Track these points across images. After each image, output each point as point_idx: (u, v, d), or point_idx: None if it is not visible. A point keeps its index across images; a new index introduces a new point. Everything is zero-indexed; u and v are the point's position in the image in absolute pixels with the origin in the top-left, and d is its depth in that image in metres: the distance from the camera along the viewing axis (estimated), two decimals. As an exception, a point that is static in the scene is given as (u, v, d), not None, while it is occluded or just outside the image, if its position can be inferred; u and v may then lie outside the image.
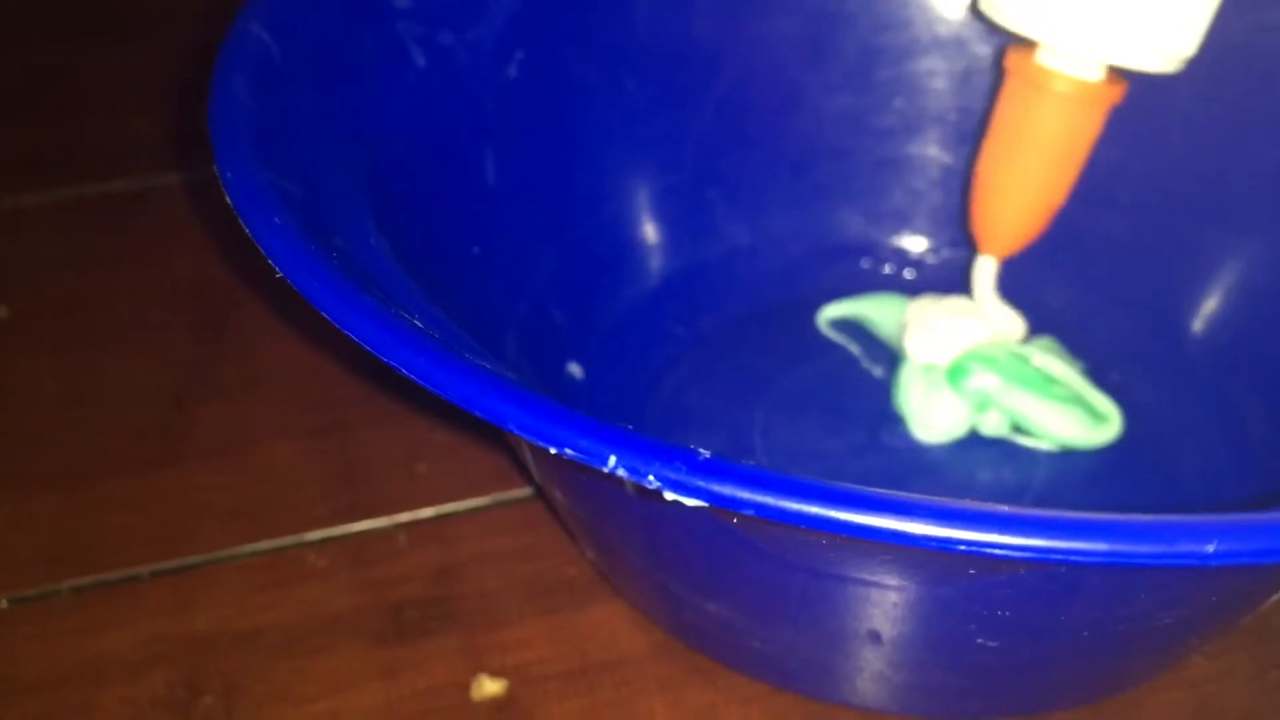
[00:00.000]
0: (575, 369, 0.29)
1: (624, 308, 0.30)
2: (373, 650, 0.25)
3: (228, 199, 0.18)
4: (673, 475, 0.14)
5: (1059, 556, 0.13)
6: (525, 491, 0.28)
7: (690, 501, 0.14)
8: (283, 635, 0.25)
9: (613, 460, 0.14)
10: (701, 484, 0.13)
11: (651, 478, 0.14)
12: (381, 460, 0.29)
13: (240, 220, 0.18)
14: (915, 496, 0.13)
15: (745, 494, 0.13)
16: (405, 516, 0.28)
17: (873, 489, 0.13)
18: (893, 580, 0.19)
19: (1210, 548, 0.13)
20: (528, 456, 0.23)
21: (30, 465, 0.29)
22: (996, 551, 0.13)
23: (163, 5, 0.45)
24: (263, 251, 0.17)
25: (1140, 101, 0.30)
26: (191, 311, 0.33)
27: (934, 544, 0.13)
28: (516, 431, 0.15)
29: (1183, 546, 0.13)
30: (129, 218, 0.36)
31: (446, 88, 0.26)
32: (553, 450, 0.14)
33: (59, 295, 0.33)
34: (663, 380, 0.29)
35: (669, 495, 0.14)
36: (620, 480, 0.14)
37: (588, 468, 0.14)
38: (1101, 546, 0.13)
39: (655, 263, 0.31)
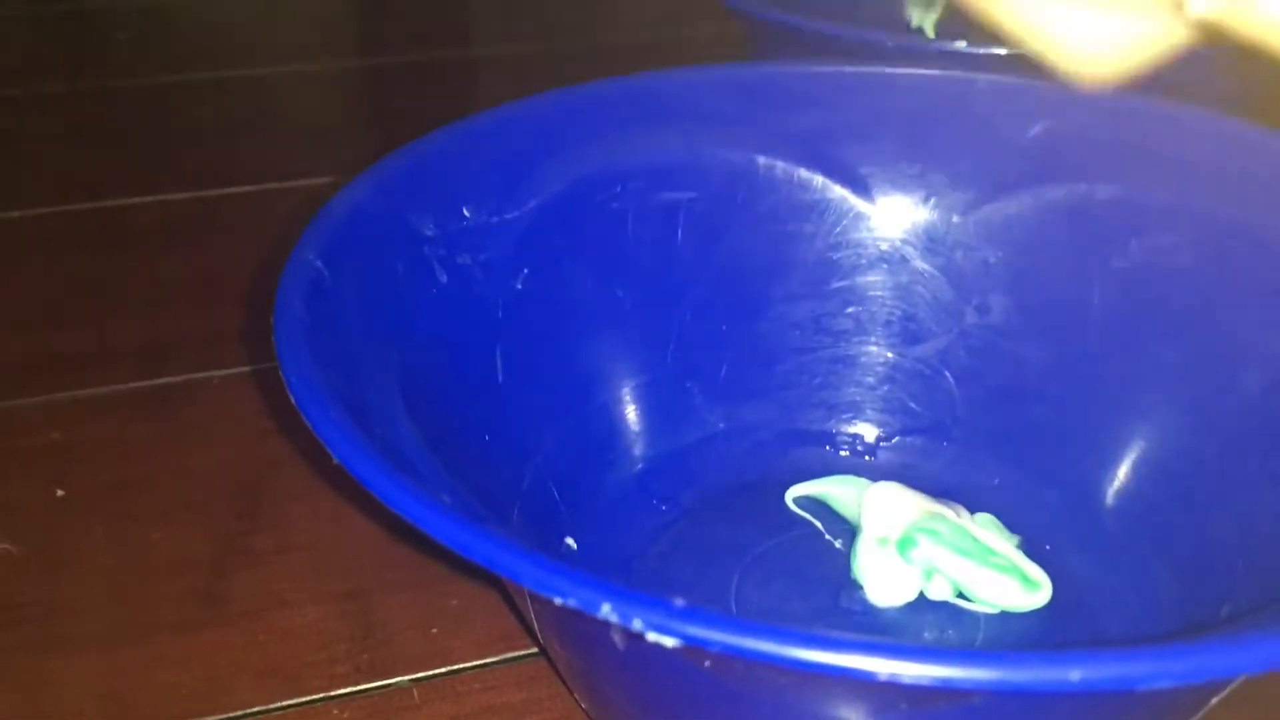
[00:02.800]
0: (570, 541, 0.32)
1: (613, 486, 0.34)
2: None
3: (293, 400, 0.22)
4: (654, 619, 0.17)
5: (960, 684, 0.17)
6: (530, 650, 0.31)
7: (669, 641, 0.17)
8: (310, 782, 0.28)
9: (606, 607, 0.18)
10: (677, 626, 0.17)
11: (637, 621, 0.18)
12: (399, 624, 0.32)
13: (303, 417, 0.22)
14: (844, 636, 0.17)
15: (711, 634, 0.17)
16: (420, 674, 0.31)
17: (813, 630, 0.17)
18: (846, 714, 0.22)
19: (1074, 675, 0.17)
20: (531, 617, 0.27)
21: (84, 629, 0.32)
22: (905, 680, 0.17)
23: (196, 220, 0.51)
24: (323, 443, 0.21)
25: (1058, 309, 0.35)
26: (229, 490, 0.37)
27: (849, 673, 0.17)
28: (528, 585, 0.19)
29: (1049, 674, 0.17)
30: (172, 408, 0.40)
31: (464, 301, 0.31)
32: (557, 600, 0.18)
33: (110, 478, 0.37)
34: (647, 550, 0.33)
35: (651, 636, 0.18)
36: (611, 628, 0.18)
37: (585, 618, 0.18)
38: (988, 675, 0.17)
39: (641, 447, 0.35)
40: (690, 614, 0.17)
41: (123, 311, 0.45)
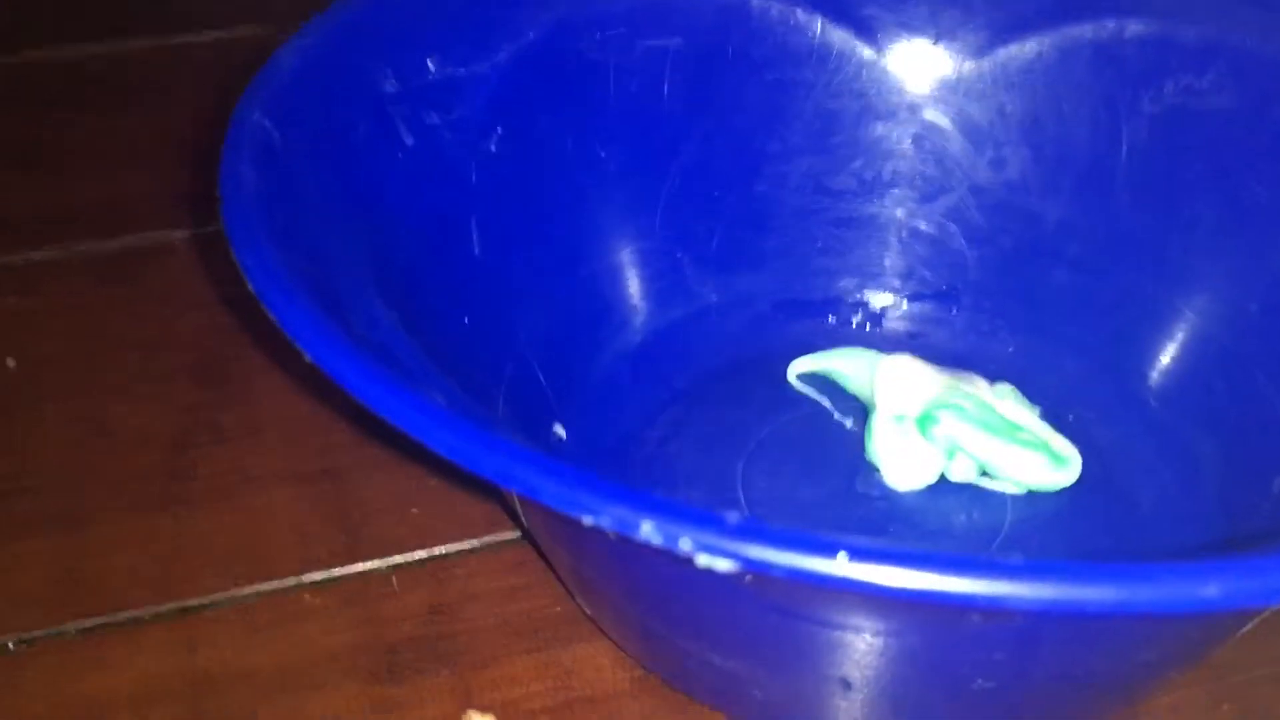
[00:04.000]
0: (559, 430, 0.30)
1: (602, 369, 0.31)
2: (368, 688, 0.26)
3: (249, 284, 0.19)
4: (708, 540, 0.15)
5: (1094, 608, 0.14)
6: (513, 534, 0.29)
7: (723, 565, 0.15)
8: (281, 673, 0.26)
9: (646, 526, 0.15)
10: (736, 548, 0.14)
11: (685, 542, 0.15)
12: (376, 505, 0.30)
13: (261, 302, 0.19)
14: (948, 554, 0.14)
15: (780, 557, 0.14)
16: (398, 559, 0.28)
17: (903, 547, 0.14)
18: (888, 626, 0.20)
19: (1211, 591, 0.14)
20: (517, 506, 0.24)
21: (37, 509, 0.29)
22: (1028, 606, 0.14)
23: (158, 72, 0.46)
24: (287, 333, 0.18)
25: (1082, 161, 0.32)
26: (193, 360, 0.33)
27: (976, 601, 0.14)
28: (551, 504, 0.16)
29: (1183, 591, 0.14)
30: (132, 272, 0.37)
31: (434, 165, 0.27)
32: (587, 520, 0.15)
33: (66, 347, 0.34)
34: (643, 437, 0.30)
35: (702, 560, 0.15)
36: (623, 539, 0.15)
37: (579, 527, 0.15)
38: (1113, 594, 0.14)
39: (630, 324, 0.32)
40: (750, 531, 0.15)
41: (79, 169, 0.41)
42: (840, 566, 0.14)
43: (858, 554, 0.14)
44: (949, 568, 0.14)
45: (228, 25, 0.49)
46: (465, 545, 0.29)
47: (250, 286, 0.19)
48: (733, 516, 0.15)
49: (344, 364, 0.17)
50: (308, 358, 0.18)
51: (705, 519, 0.15)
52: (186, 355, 0.34)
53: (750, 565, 0.14)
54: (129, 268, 0.37)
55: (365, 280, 0.22)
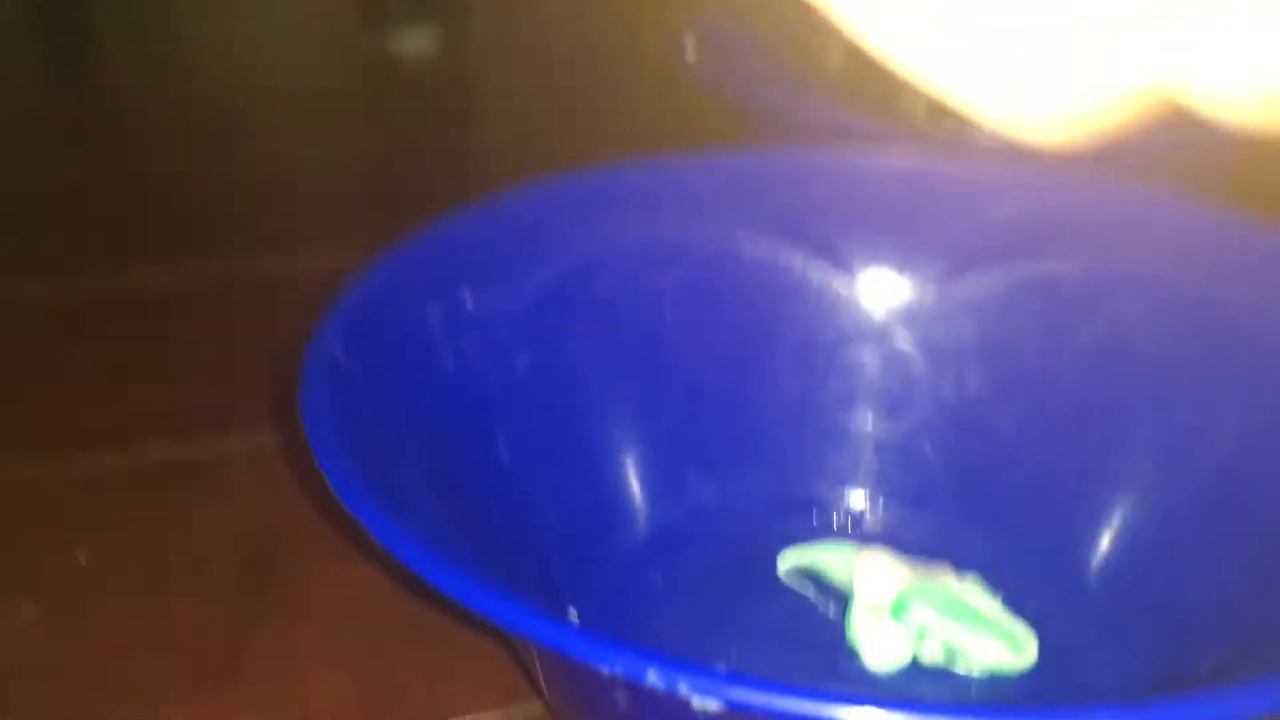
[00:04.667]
0: (573, 613, 0.33)
1: (612, 559, 0.35)
2: None
3: (331, 487, 0.23)
4: (700, 684, 0.18)
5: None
6: (536, 706, 0.32)
7: (712, 705, 0.19)
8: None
9: (651, 674, 0.19)
10: (722, 690, 0.18)
11: (683, 686, 0.19)
12: (410, 683, 0.33)
13: (342, 501, 0.23)
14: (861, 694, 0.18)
15: (756, 697, 0.18)
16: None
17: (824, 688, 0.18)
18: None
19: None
20: (539, 676, 0.28)
21: (106, 692, 0.33)
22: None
23: (215, 296, 0.52)
24: (364, 525, 0.22)
25: (1031, 380, 0.37)
26: (246, 557, 0.37)
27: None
28: (575, 656, 0.20)
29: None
30: (192, 478, 0.41)
31: (469, 384, 0.32)
32: (604, 669, 0.19)
33: (132, 545, 0.38)
34: (647, 621, 0.34)
35: (696, 702, 0.19)
36: (633, 694, 0.19)
37: (596, 680, 0.19)
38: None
39: (637, 522, 0.36)
40: (732, 679, 0.18)
41: (144, 383, 0.46)
42: (809, 706, 0.18)
43: (834, 698, 0.18)
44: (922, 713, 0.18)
45: (271, 256, 0.55)
46: (490, 715, 0.32)
47: (333, 490, 0.23)
48: (720, 666, 0.19)
49: (409, 549, 0.21)
50: (384, 548, 0.22)
51: (698, 668, 0.19)
52: (240, 551, 0.38)
53: (733, 705, 0.18)
54: (187, 475, 0.41)
55: (420, 480, 0.26)
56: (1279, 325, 0.33)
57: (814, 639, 0.34)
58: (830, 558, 0.35)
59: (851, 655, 0.33)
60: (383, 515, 0.22)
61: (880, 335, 0.38)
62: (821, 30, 0.56)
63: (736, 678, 0.18)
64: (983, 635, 0.32)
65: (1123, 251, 0.36)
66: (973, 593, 0.33)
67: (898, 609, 0.33)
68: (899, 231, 0.38)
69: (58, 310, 0.51)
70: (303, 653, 0.34)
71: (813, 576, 0.36)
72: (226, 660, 0.34)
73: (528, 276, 0.35)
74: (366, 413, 0.27)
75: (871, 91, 0.58)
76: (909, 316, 0.38)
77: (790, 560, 0.36)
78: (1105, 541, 0.35)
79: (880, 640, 0.33)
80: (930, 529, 0.37)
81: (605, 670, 0.19)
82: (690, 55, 0.49)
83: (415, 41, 0.84)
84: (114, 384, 0.46)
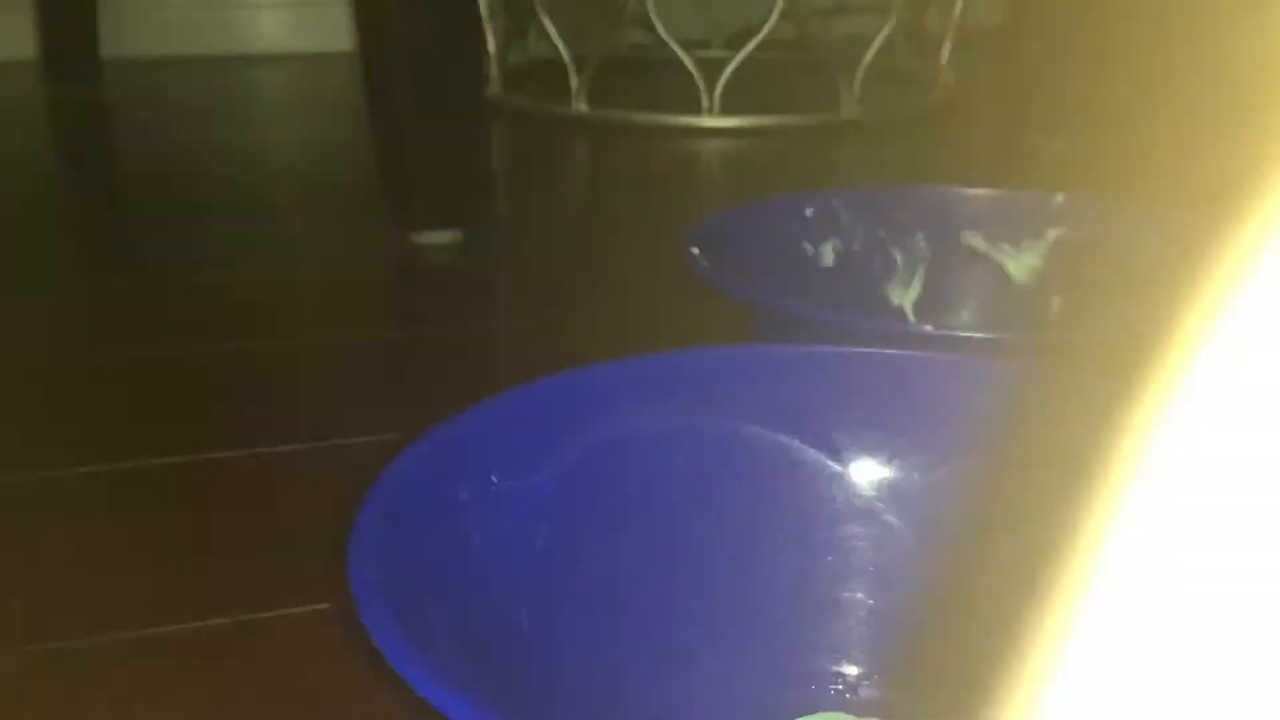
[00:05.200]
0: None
1: (623, 728, 0.38)
2: None
3: (388, 659, 0.26)
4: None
5: None
6: None
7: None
8: None
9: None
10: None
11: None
12: None
13: (400, 671, 0.26)
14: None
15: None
16: None
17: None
18: None
19: None
20: None
21: None
22: None
23: (245, 477, 0.55)
24: (418, 690, 0.25)
25: (1004, 556, 0.39)
26: None
27: None
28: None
29: None
30: (234, 648, 0.44)
31: (493, 558, 0.35)
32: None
33: (182, 712, 0.40)
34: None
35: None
36: None
37: None
38: None
39: (649, 693, 0.38)
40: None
41: (183, 561, 0.49)
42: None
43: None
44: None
45: (299, 441, 0.59)
46: None
47: (387, 658, 0.26)
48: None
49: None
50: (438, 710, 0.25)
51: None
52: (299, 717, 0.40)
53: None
54: (232, 642, 0.44)
55: (457, 647, 0.29)
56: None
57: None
58: (827, 726, 0.38)
59: (850, 824, 0.35)
60: (439, 684, 0.25)
61: (871, 513, 0.41)
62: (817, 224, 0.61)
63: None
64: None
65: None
66: (965, 761, 0.36)
67: (892, 775, 0.35)
68: (887, 425, 0.41)
69: (94, 487, 0.54)
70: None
71: (812, 743, 0.38)
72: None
73: (549, 458, 0.38)
74: (408, 583, 0.30)
75: (861, 288, 0.63)
76: (897, 496, 0.41)
77: (791, 728, 0.38)
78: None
79: (877, 807, 0.35)
80: (922, 698, 0.39)
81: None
82: (695, 254, 0.54)
83: (439, 235, 0.90)
84: (150, 556, 0.49)
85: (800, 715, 0.38)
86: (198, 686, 0.42)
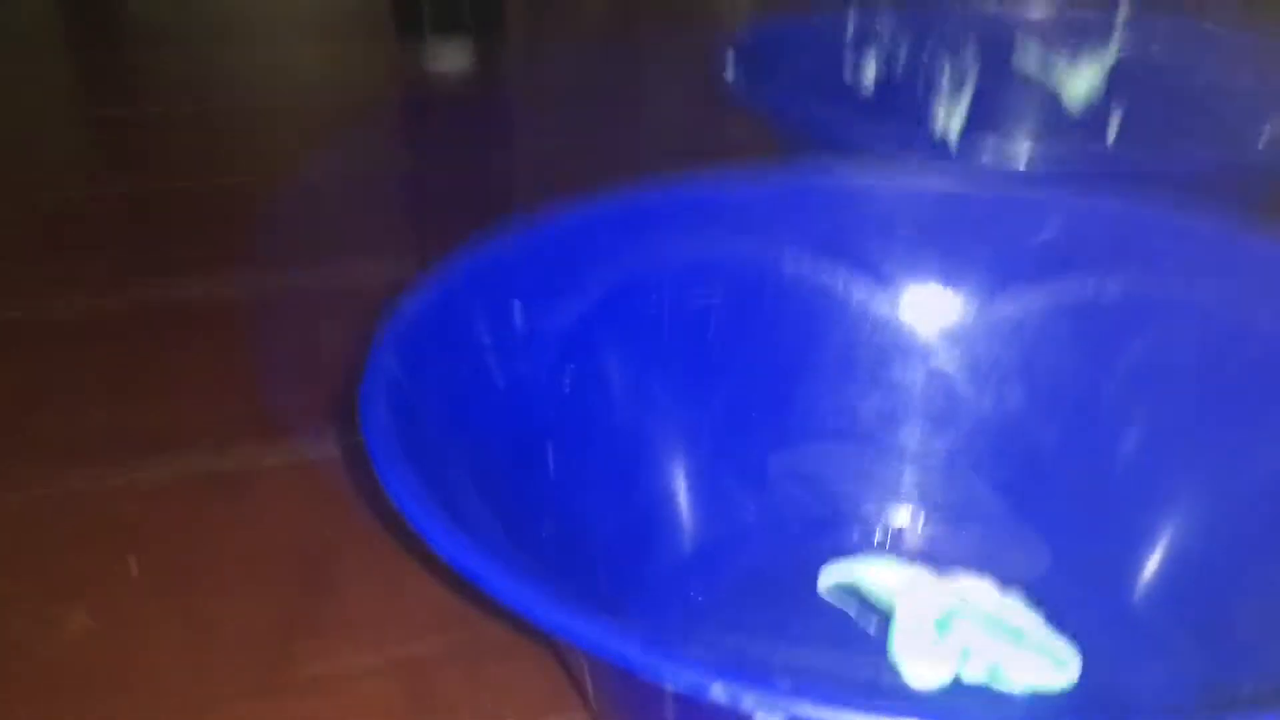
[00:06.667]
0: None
1: (653, 575, 0.36)
2: None
3: (391, 499, 0.24)
4: (768, 699, 0.19)
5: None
6: (581, 714, 0.33)
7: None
8: None
9: (717, 688, 0.19)
10: (788, 705, 0.19)
11: (748, 700, 0.19)
12: (457, 691, 0.34)
13: (401, 511, 0.23)
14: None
15: (826, 712, 0.18)
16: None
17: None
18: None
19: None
20: (588, 685, 0.28)
21: (159, 700, 0.33)
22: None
23: (256, 310, 0.53)
24: (422, 535, 0.23)
25: (1070, 398, 0.37)
26: (295, 566, 0.38)
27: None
28: (634, 670, 0.20)
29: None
30: (241, 487, 0.42)
31: (518, 402, 0.32)
32: (668, 685, 0.20)
33: (183, 553, 0.39)
34: (688, 637, 0.34)
35: (760, 717, 0.19)
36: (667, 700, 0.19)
37: (646, 690, 0.19)
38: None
39: (679, 537, 0.37)
40: (802, 690, 0.19)
41: (192, 392, 0.47)
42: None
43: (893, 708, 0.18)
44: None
45: (310, 272, 0.56)
46: (538, 728, 0.33)
47: (391, 500, 0.24)
48: (786, 681, 0.19)
49: (481, 568, 0.22)
50: (443, 558, 0.22)
51: (764, 681, 0.19)
52: (289, 559, 0.38)
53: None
54: (235, 483, 0.42)
55: (472, 492, 0.27)
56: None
57: (855, 657, 0.34)
58: (872, 575, 0.36)
59: (893, 674, 0.33)
60: (443, 525, 0.23)
61: (921, 352, 0.38)
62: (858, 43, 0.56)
63: (809, 689, 0.19)
64: (1026, 654, 0.33)
65: (1162, 273, 0.36)
66: (1016, 610, 0.34)
67: (941, 627, 0.33)
68: (940, 250, 0.38)
69: (102, 323, 0.52)
70: (351, 663, 0.34)
71: (854, 594, 0.36)
72: (274, 670, 0.34)
73: (575, 296, 0.35)
74: (421, 425, 0.27)
75: (904, 108, 0.59)
76: (949, 334, 0.38)
77: (831, 577, 0.36)
78: (1148, 558, 0.35)
79: (922, 658, 0.33)
80: (972, 546, 0.37)
81: (668, 686, 0.20)
82: (729, 73, 0.50)
83: (450, 56, 0.85)
84: (160, 394, 0.47)
85: (841, 563, 0.36)
86: (198, 526, 0.40)
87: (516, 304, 0.33)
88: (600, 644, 0.20)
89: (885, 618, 0.35)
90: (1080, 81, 0.59)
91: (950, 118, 0.58)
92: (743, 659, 0.33)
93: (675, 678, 0.20)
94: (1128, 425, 0.36)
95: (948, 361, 0.38)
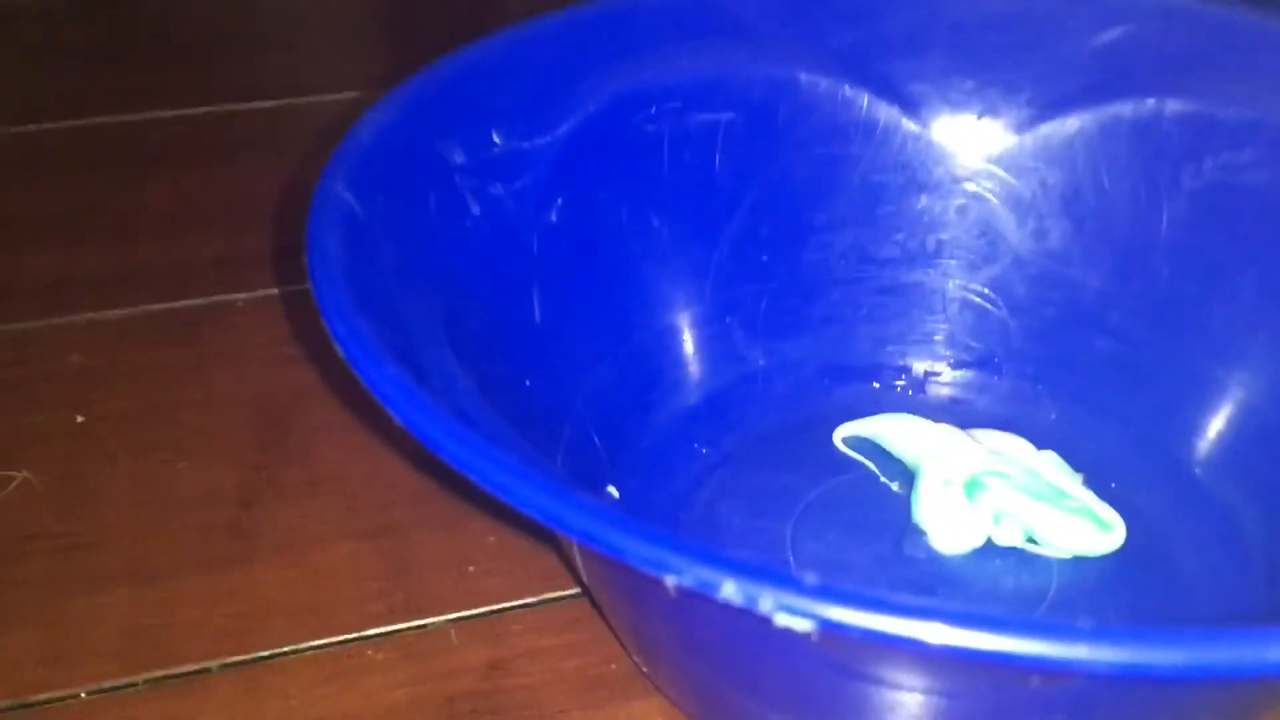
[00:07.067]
0: (613, 490, 0.30)
1: (653, 431, 0.32)
2: (428, 742, 0.26)
3: (340, 352, 0.20)
4: (787, 600, 0.15)
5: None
6: (571, 590, 0.30)
7: (802, 625, 0.15)
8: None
9: (729, 587, 0.16)
10: (815, 609, 0.15)
11: (766, 601, 0.15)
12: (434, 561, 0.30)
13: (352, 369, 0.20)
14: (1025, 618, 0.15)
15: (864, 619, 0.15)
16: (457, 614, 0.29)
17: (981, 611, 0.14)
18: (952, 687, 0.20)
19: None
20: (577, 561, 0.25)
21: (107, 563, 0.30)
22: (1103, 670, 0.14)
23: (220, 137, 0.48)
24: (377, 397, 0.19)
25: (1122, 233, 0.33)
26: (255, 419, 0.35)
27: (1049, 665, 0.14)
28: (635, 564, 0.16)
29: (1251, 655, 0.15)
30: (195, 332, 0.38)
31: (497, 234, 0.28)
32: (670, 580, 0.16)
33: (132, 404, 0.35)
34: (692, 499, 0.31)
35: (780, 620, 0.16)
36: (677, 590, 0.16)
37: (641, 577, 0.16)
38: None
39: (681, 389, 0.33)
40: (829, 592, 0.15)
41: (143, 231, 0.43)
42: (923, 630, 0.15)
43: (943, 617, 0.15)
44: (1027, 632, 0.14)
45: (280, 95, 0.51)
46: (523, 601, 0.29)
47: (340, 353, 0.20)
48: (810, 577, 0.16)
49: (433, 429, 0.18)
50: (396, 421, 0.19)
51: (786, 579, 0.15)
52: (248, 413, 0.35)
53: (829, 626, 0.15)
54: (192, 328, 0.38)
55: (441, 342, 0.23)
56: None
57: (876, 518, 0.31)
58: (894, 430, 0.32)
59: (919, 535, 0.30)
60: (403, 391, 0.19)
61: (952, 181, 0.34)
62: None
63: (832, 590, 0.15)
64: (1066, 516, 0.29)
65: (1234, 89, 0.32)
66: (1054, 470, 0.30)
67: (971, 487, 0.30)
68: (976, 72, 0.34)
69: (53, 151, 0.47)
70: (319, 524, 0.31)
71: (874, 450, 0.32)
72: (238, 531, 0.31)
73: (563, 111, 0.30)
74: (380, 267, 0.23)
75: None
76: (985, 161, 0.34)
77: (848, 431, 0.33)
78: (1204, 417, 0.31)
79: (951, 521, 0.30)
80: (1001, 398, 0.34)
81: (670, 581, 0.16)
82: None
83: None
84: (110, 232, 0.43)
85: (860, 417, 0.33)
86: (139, 371, 0.36)
87: (496, 120, 0.29)
88: (591, 535, 0.17)
89: (909, 476, 0.31)
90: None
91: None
92: (748, 524, 0.30)
93: (681, 573, 0.16)
94: (1185, 266, 0.32)
95: (984, 191, 0.34)
